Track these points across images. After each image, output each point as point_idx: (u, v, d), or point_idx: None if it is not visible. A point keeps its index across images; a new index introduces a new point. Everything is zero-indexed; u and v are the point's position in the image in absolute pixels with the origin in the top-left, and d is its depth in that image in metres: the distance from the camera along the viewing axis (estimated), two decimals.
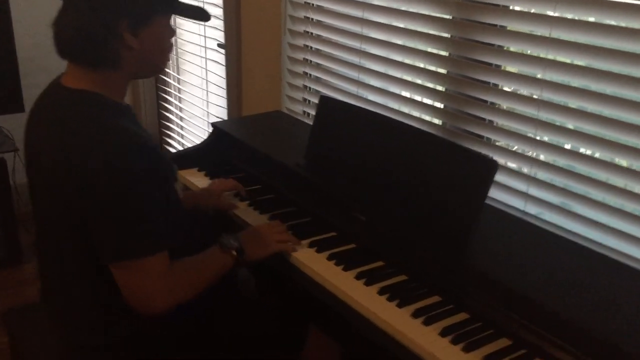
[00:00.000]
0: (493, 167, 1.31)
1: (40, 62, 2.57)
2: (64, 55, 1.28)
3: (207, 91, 2.98)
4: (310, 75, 2.29)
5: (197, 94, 3.09)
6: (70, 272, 1.31)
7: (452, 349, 1.17)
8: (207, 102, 2.99)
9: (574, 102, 1.49)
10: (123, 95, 1.34)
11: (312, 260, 1.44)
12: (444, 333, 1.20)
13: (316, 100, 2.27)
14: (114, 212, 1.18)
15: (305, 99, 2.34)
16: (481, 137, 1.70)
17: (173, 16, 1.38)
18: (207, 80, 2.96)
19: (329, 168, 1.68)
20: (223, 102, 2.81)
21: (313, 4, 2.20)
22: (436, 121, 1.84)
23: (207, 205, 1.68)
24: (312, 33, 2.24)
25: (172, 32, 1.34)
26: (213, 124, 2.03)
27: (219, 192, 1.70)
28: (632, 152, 1.39)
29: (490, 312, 1.24)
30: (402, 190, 1.49)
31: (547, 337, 1.15)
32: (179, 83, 3.28)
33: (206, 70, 2.94)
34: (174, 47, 3.02)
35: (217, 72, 2.86)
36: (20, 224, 2.91)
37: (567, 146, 1.53)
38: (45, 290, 1.44)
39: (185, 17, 1.39)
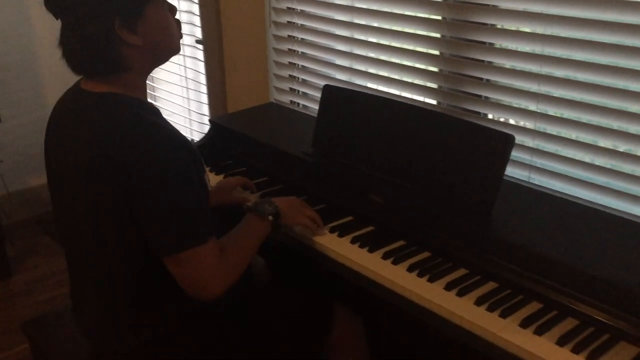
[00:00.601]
0: (510, 141, 1.38)
1: None
2: (78, 72, 1.28)
3: (187, 88, 2.97)
4: (298, 65, 2.31)
5: (176, 92, 3.07)
6: (109, 271, 1.31)
7: (489, 316, 1.23)
8: (188, 99, 2.98)
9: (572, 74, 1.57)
10: (145, 93, 1.34)
11: (337, 245, 1.49)
12: (478, 302, 1.26)
13: (306, 90, 2.31)
14: (166, 206, 1.20)
15: (293, 89, 2.37)
16: (478, 113, 1.77)
17: None
18: (186, 78, 2.95)
19: (339, 154, 1.72)
20: (204, 99, 2.81)
21: None
22: (432, 101, 1.90)
23: (219, 202, 1.69)
24: (297, 23, 2.26)
25: (172, 10, 1.32)
26: (211, 120, 2.04)
27: (229, 189, 1.72)
28: (621, 115, 1.49)
29: (517, 279, 1.31)
30: (418, 171, 1.54)
31: (576, 296, 1.22)
32: (152, 82, 3.25)
33: (185, 67, 2.92)
34: None
35: (196, 69, 2.85)
36: (7, 236, 2.86)
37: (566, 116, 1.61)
38: (77, 294, 1.44)
39: None
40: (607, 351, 1.13)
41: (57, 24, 1.27)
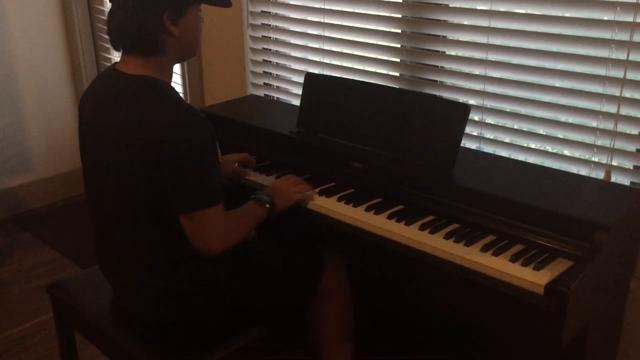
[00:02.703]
0: (467, 108, 1.71)
1: None
2: (118, 46, 1.54)
3: None
4: (273, 62, 2.60)
5: None
6: (135, 230, 1.56)
7: (456, 245, 1.54)
8: None
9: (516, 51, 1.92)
10: (171, 78, 1.61)
11: (327, 204, 1.77)
12: (447, 237, 1.58)
13: (280, 85, 2.60)
14: (191, 172, 1.46)
15: (268, 84, 2.65)
16: (435, 81, 2.10)
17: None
18: None
19: (321, 131, 2.01)
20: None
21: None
22: (395, 73, 2.21)
23: (223, 173, 1.96)
24: (272, 25, 2.55)
25: (202, 19, 1.62)
26: (200, 110, 2.29)
27: (231, 163, 1.98)
28: (549, 90, 1.85)
29: (475, 219, 1.62)
30: (390, 139, 1.85)
31: (521, 227, 1.55)
32: None
33: None
34: None
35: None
36: None
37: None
38: (106, 253, 1.67)
39: (210, 4, 1.63)
40: (548, 264, 1.46)
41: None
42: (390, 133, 1.85)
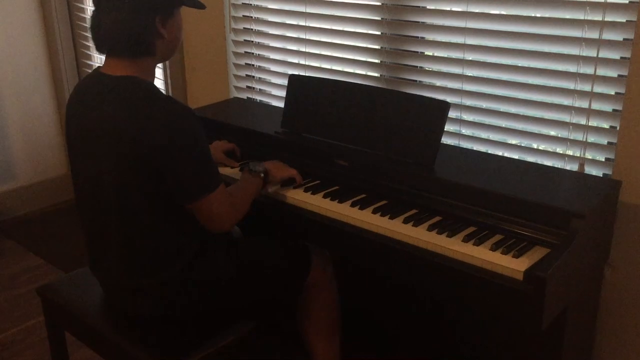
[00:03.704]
0: (446, 106, 1.77)
1: None
2: (105, 50, 1.58)
3: None
4: (255, 65, 2.65)
5: None
6: (131, 226, 1.59)
7: (439, 237, 1.60)
8: None
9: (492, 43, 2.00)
10: (154, 78, 1.65)
11: (313, 200, 1.83)
12: (430, 229, 1.64)
13: (262, 87, 2.65)
14: (190, 161, 1.52)
15: (250, 87, 2.70)
16: (414, 81, 2.17)
17: None
18: None
19: (305, 130, 2.06)
20: None
21: (252, 3, 2.58)
22: (375, 74, 2.28)
23: None
24: (253, 29, 2.60)
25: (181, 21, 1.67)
26: None
27: (221, 150, 2.07)
28: (525, 87, 1.93)
29: (456, 211, 1.69)
30: (374, 137, 1.91)
31: (500, 217, 1.62)
32: None
33: None
34: None
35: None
36: None
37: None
38: (96, 252, 1.70)
39: (189, 6, 1.67)
40: (526, 252, 1.52)
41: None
42: (373, 131, 1.91)
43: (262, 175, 1.80)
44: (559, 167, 1.90)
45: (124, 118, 1.51)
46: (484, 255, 1.51)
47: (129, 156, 1.51)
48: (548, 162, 1.93)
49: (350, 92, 1.98)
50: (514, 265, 1.46)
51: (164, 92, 2.93)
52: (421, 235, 1.61)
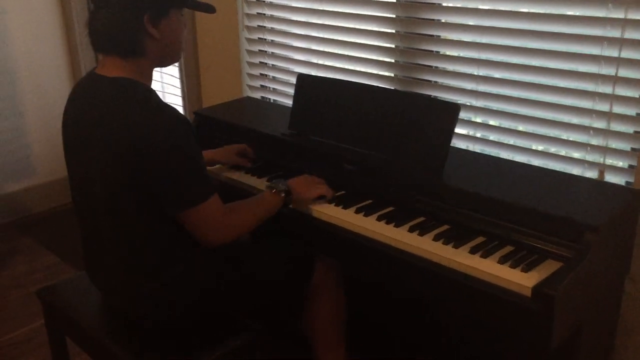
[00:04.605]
0: (457, 108, 1.69)
1: None
2: (99, 48, 1.53)
3: (162, 89, 3.21)
4: (269, 64, 2.60)
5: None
6: (124, 231, 1.55)
7: (444, 247, 1.52)
8: (164, 93, 3.23)
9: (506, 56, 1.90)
10: (150, 81, 1.60)
11: (317, 206, 1.75)
12: (436, 239, 1.56)
13: (275, 86, 2.59)
14: (179, 170, 1.46)
15: (264, 86, 2.65)
16: (429, 81, 2.08)
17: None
18: (162, 83, 3.19)
19: (313, 133, 2.00)
20: (177, 98, 3.06)
21: (265, 0, 2.52)
22: (389, 74, 2.19)
23: (224, 161, 2.00)
24: (267, 27, 2.54)
25: (185, 24, 1.61)
26: (195, 112, 2.29)
27: (233, 152, 2.01)
28: (539, 88, 1.82)
29: (464, 220, 1.60)
30: (382, 140, 1.83)
31: (511, 228, 1.52)
32: None
33: (160, 71, 3.17)
34: None
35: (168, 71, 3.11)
36: None
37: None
38: (92, 256, 1.67)
39: (194, 9, 1.64)
40: (536, 266, 1.43)
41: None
42: (381, 133, 1.84)
43: (283, 195, 1.70)
44: (578, 173, 1.79)
45: (113, 125, 1.46)
46: (491, 269, 1.42)
47: (117, 161, 1.46)
48: (566, 168, 1.83)
49: (358, 93, 1.90)
50: (522, 280, 1.37)
51: (179, 92, 2.96)
52: (426, 246, 1.53)
